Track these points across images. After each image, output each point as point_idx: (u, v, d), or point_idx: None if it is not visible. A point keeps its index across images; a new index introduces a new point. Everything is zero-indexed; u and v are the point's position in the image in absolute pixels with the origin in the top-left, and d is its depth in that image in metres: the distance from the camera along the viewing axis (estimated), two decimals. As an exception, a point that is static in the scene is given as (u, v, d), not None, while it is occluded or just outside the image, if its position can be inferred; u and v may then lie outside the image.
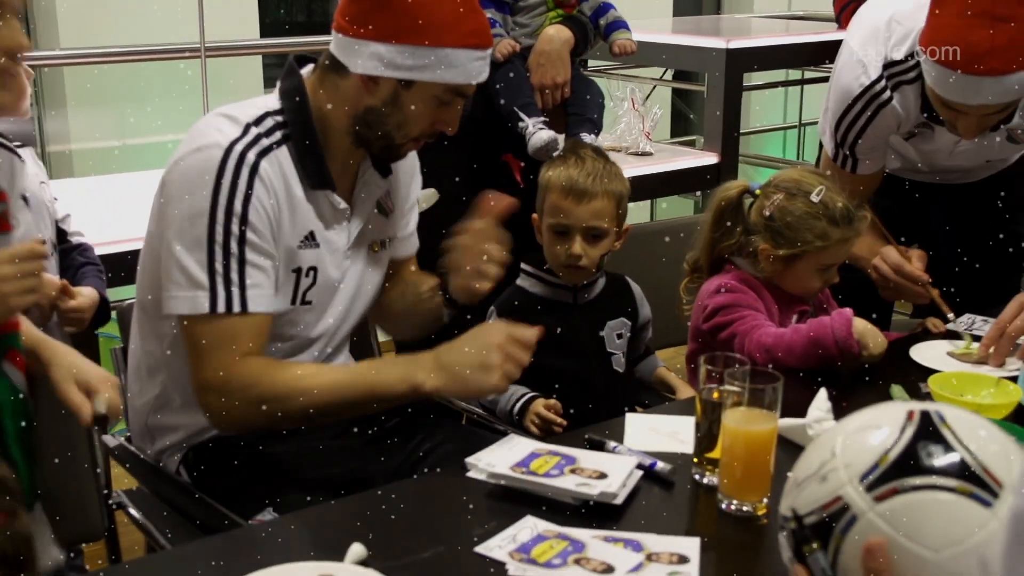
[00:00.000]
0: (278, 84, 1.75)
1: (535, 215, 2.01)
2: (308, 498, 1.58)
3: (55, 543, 1.54)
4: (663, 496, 1.51)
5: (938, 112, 2.09)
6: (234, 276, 1.61)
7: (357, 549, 1.30)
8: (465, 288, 1.82)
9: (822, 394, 1.68)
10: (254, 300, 1.63)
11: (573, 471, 1.49)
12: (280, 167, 1.67)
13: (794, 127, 6.18)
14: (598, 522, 1.40)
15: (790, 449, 1.53)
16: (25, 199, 1.80)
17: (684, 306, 2.14)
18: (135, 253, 1.86)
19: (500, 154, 2.59)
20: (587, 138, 2.53)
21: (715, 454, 1.49)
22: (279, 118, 1.69)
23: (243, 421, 1.66)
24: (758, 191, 2.03)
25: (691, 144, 4.66)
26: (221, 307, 1.61)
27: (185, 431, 1.76)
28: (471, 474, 1.52)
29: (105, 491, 1.90)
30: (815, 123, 2.63)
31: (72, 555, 2.26)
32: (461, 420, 2.02)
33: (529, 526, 1.38)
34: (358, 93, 1.69)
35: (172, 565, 1.37)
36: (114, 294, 2.25)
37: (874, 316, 2.15)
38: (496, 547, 1.33)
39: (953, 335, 2.08)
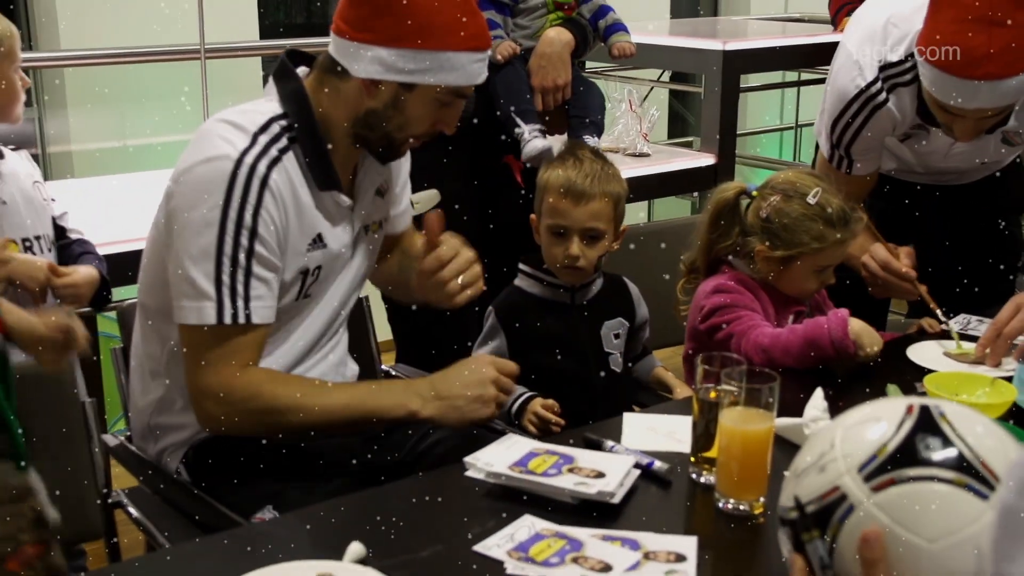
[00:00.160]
0: (272, 83, 1.76)
1: (533, 216, 2.02)
2: (307, 496, 1.59)
3: (52, 504, 1.55)
4: (660, 495, 1.52)
5: (934, 115, 2.09)
6: (240, 288, 1.63)
7: (356, 548, 1.31)
8: (451, 302, 1.81)
9: (818, 394, 1.69)
10: (257, 312, 1.65)
11: (571, 470, 1.50)
12: (288, 175, 1.68)
13: (790, 128, 6.19)
14: (596, 521, 1.41)
15: (787, 448, 1.54)
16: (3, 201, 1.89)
17: (681, 306, 2.15)
18: (135, 253, 1.87)
19: (501, 155, 2.60)
20: (590, 141, 2.54)
21: (712, 453, 1.49)
22: (284, 123, 1.70)
23: (239, 430, 1.68)
24: (755, 192, 2.04)
25: (688, 145, 4.66)
26: (227, 319, 1.63)
27: (190, 430, 1.78)
28: (469, 473, 1.53)
29: (104, 490, 1.90)
30: (811, 124, 2.64)
31: (75, 557, 2.27)
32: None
33: (527, 525, 1.39)
34: (359, 96, 1.70)
35: (172, 564, 1.37)
36: (115, 294, 2.25)
37: (873, 314, 2.16)
38: (494, 546, 1.34)
39: (949, 335, 2.09)
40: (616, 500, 1.44)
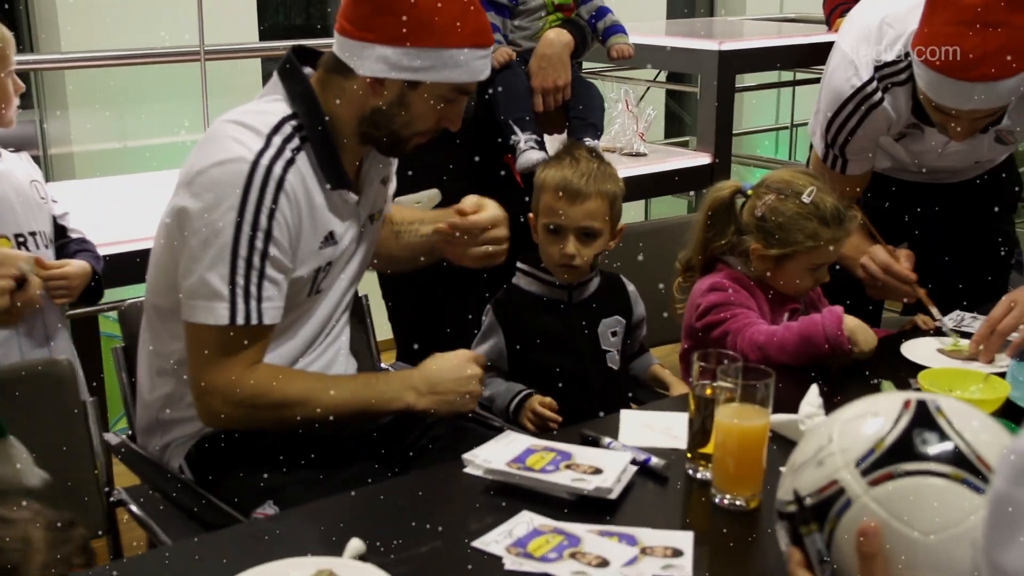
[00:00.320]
0: (276, 80, 1.75)
1: (531, 214, 2.03)
2: (309, 492, 1.60)
3: (36, 464, 1.55)
4: (657, 491, 1.53)
5: (929, 115, 2.10)
6: (253, 290, 1.65)
7: (356, 544, 1.32)
8: (478, 260, 1.93)
9: (813, 390, 1.70)
10: (268, 313, 1.67)
11: (568, 467, 1.51)
12: (302, 176, 1.69)
13: (786, 128, 6.20)
14: (593, 517, 1.42)
15: (782, 444, 1.56)
16: None
17: (677, 305, 2.16)
18: (136, 253, 1.88)
19: (501, 155, 2.61)
20: (590, 142, 2.54)
21: (708, 449, 1.51)
22: (295, 123, 1.71)
23: (243, 424, 1.71)
24: (750, 191, 2.05)
25: (684, 145, 4.67)
26: (240, 320, 1.65)
27: (198, 424, 1.78)
28: (468, 470, 1.54)
29: (106, 488, 1.91)
30: (807, 124, 2.65)
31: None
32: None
33: (525, 521, 1.40)
34: (364, 95, 1.71)
35: (173, 561, 1.38)
36: (116, 294, 2.26)
37: (867, 311, 2.17)
38: (493, 542, 1.35)
39: (943, 332, 2.10)
40: (613, 496, 1.46)
